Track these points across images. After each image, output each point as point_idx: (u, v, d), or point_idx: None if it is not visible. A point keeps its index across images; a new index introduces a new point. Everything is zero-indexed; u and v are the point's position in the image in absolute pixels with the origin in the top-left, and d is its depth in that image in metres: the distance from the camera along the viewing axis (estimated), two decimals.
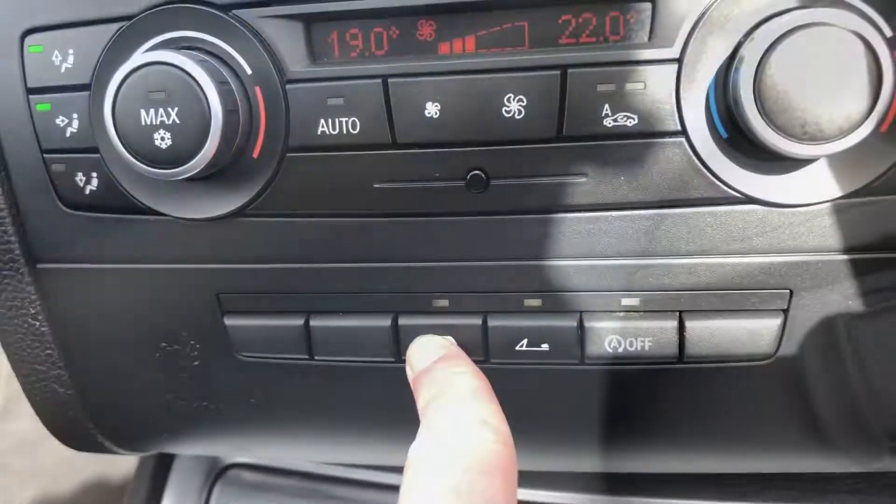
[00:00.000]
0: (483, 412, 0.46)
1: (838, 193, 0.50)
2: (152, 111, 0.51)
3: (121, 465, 2.09)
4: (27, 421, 2.51)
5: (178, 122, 0.51)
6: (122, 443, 0.72)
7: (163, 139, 0.51)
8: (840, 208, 0.50)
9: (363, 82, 0.52)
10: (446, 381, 0.50)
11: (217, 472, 0.85)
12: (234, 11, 0.53)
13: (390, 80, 0.52)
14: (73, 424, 0.69)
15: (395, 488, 0.80)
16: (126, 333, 0.64)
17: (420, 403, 0.50)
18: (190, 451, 0.75)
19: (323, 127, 0.53)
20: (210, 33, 0.54)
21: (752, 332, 0.55)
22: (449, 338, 0.57)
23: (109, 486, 2.06)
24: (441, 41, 0.53)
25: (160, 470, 0.84)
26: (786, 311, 0.54)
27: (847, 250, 0.51)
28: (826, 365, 0.56)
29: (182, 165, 0.51)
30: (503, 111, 0.51)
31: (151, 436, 0.72)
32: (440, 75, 0.51)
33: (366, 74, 0.52)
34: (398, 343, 0.59)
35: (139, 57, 0.51)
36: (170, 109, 0.51)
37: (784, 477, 0.75)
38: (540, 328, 0.57)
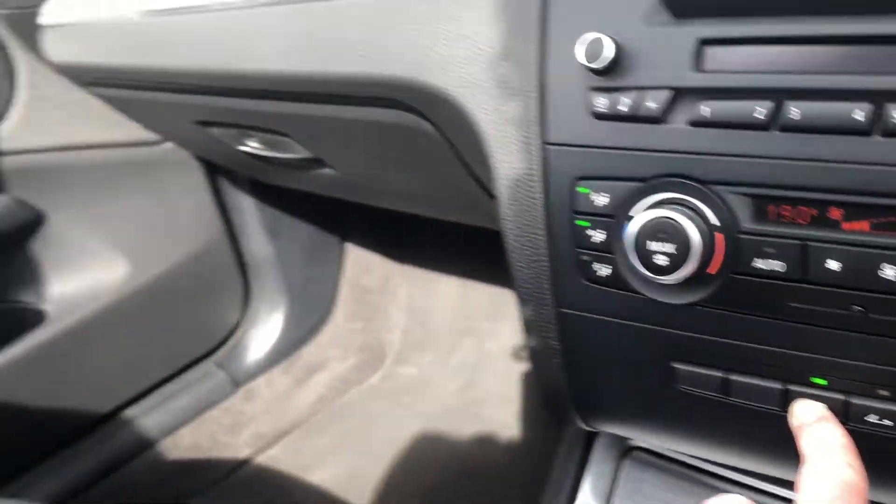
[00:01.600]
0: (848, 458, 0.67)
1: None
2: (657, 244, 0.82)
3: (506, 421, 2.36)
4: (415, 368, 3.07)
5: (672, 252, 0.82)
6: (588, 422, 1.10)
7: (661, 261, 0.83)
8: None
9: (789, 241, 0.80)
10: (823, 435, 0.72)
11: (626, 450, 1.15)
12: (711, 186, 0.83)
13: (809, 244, 0.79)
14: (559, 402, 1.08)
15: (765, 493, 1.07)
16: (609, 357, 0.99)
17: (802, 445, 0.72)
18: (632, 434, 1.11)
19: (757, 263, 0.82)
20: (694, 196, 0.83)
21: None
22: (822, 404, 0.84)
23: (495, 438, 2.42)
24: (845, 221, 0.77)
25: (587, 442, 1.20)
26: None
27: None
28: None
29: (669, 276, 0.83)
30: (880, 273, 0.76)
31: (608, 421, 1.08)
32: (842, 244, 0.77)
33: (791, 236, 0.79)
34: (785, 400, 0.87)
35: (652, 211, 0.83)
36: (668, 245, 0.81)
37: None
38: (885, 409, 0.81)
